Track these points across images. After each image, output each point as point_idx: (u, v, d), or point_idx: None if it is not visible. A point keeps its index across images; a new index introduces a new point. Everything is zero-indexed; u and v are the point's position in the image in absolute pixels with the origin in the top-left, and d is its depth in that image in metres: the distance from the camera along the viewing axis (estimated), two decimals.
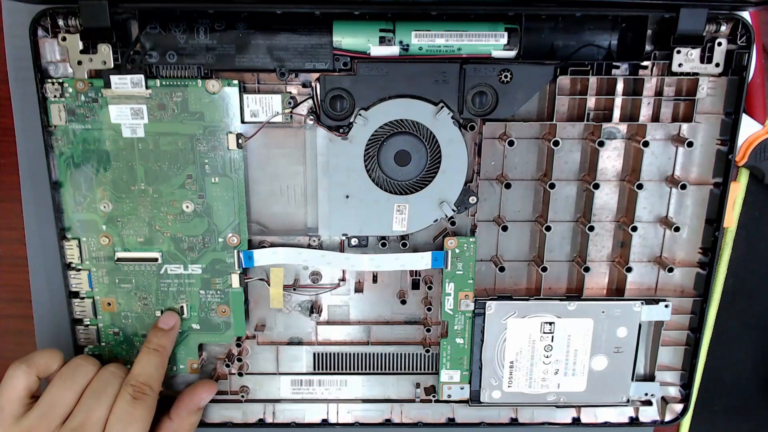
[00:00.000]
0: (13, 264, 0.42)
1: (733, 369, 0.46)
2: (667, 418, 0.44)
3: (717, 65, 0.37)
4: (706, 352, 0.45)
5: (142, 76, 0.36)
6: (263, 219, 0.40)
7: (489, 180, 0.39)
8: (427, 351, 0.42)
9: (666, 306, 0.40)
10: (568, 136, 0.39)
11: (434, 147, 0.38)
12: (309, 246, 0.40)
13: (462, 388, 0.42)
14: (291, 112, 0.37)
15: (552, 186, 0.38)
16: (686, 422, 0.46)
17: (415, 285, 0.42)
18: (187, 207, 0.38)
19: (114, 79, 0.36)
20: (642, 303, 0.40)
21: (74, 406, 0.35)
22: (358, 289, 0.42)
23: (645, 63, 0.37)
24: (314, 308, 0.42)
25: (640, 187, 0.38)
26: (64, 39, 0.35)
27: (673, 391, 0.44)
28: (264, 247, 0.40)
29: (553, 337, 0.41)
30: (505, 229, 0.40)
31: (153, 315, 0.40)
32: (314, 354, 0.43)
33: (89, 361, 0.37)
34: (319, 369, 0.43)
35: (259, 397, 0.43)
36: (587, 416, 0.44)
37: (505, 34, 0.35)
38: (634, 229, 0.39)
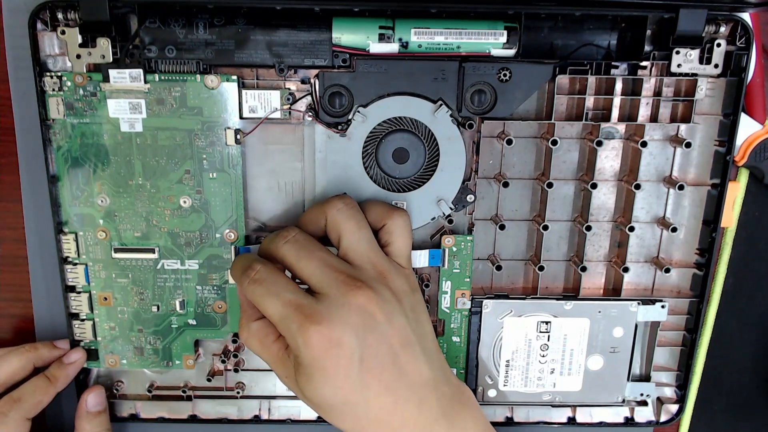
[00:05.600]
0: (13, 264, 0.42)
1: (733, 369, 0.46)
2: (663, 418, 0.44)
3: (716, 66, 0.37)
4: (705, 352, 0.45)
5: (140, 71, 0.36)
6: (261, 215, 0.40)
7: (487, 179, 0.39)
8: None
9: (662, 307, 0.40)
10: (567, 135, 0.39)
11: (432, 145, 0.38)
12: None
13: None
14: (290, 108, 0.37)
15: (550, 185, 0.38)
16: (686, 422, 0.46)
17: None
18: (185, 202, 0.38)
19: (113, 73, 0.36)
20: (638, 303, 0.40)
21: None
22: None
23: (644, 63, 0.37)
24: None
25: (637, 187, 0.38)
26: (63, 33, 0.35)
27: (669, 392, 0.44)
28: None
29: (549, 336, 0.41)
30: (502, 227, 0.40)
31: (149, 310, 0.40)
32: None
33: None
34: None
35: (254, 394, 0.43)
36: (583, 416, 0.44)
37: (505, 32, 0.35)
38: (632, 229, 0.39)
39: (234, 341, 0.42)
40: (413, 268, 0.39)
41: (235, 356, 0.42)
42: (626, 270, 0.40)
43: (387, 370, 0.32)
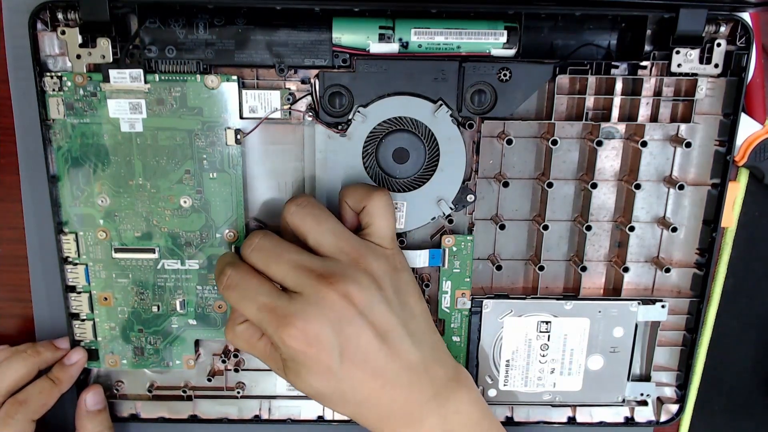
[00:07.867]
0: (14, 264, 0.42)
1: (733, 369, 0.46)
2: (663, 418, 0.44)
3: (716, 66, 0.37)
4: (705, 352, 0.45)
5: (141, 71, 0.36)
6: (261, 215, 0.40)
7: (487, 178, 0.39)
8: None
9: (662, 306, 0.40)
10: (567, 135, 0.39)
11: (432, 145, 0.38)
12: None
13: None
14: (290, 108, 0.37)
15: (550, 185, 0.38)
16: (686, 422, 0.46)
17: None
18: (185, 202, 0.38)
19: (113, 73, 0.36)
20: (638, 303, 0.40)
21: None
22: None
23: (644, 63, 0.37)
24: None
25: (638, 187, 0.38)
26: (63, 33, 0.35)
27: (669, 392, 0.44)
28: None
29: (549, 336, 0.41)
30: (502, 227, 0.40)
31: (150, 310, 0.40)
32: None
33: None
34: None
35: (254, 394, 0.43)
36: (583, 416, 0.44)
37: (505, 32, 0.35)
38: (632, 229, 0.39)
39: None
40: (413, 268, 0.39)
41: (236, 356, 0.42)
42: (626, 270, 0.40)
43: (371, 357, 0.32)
